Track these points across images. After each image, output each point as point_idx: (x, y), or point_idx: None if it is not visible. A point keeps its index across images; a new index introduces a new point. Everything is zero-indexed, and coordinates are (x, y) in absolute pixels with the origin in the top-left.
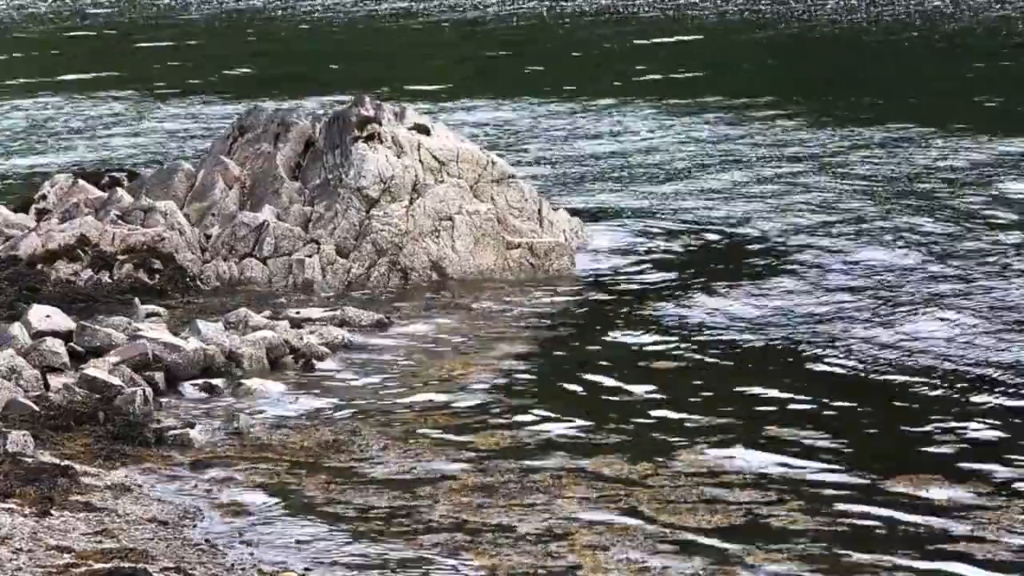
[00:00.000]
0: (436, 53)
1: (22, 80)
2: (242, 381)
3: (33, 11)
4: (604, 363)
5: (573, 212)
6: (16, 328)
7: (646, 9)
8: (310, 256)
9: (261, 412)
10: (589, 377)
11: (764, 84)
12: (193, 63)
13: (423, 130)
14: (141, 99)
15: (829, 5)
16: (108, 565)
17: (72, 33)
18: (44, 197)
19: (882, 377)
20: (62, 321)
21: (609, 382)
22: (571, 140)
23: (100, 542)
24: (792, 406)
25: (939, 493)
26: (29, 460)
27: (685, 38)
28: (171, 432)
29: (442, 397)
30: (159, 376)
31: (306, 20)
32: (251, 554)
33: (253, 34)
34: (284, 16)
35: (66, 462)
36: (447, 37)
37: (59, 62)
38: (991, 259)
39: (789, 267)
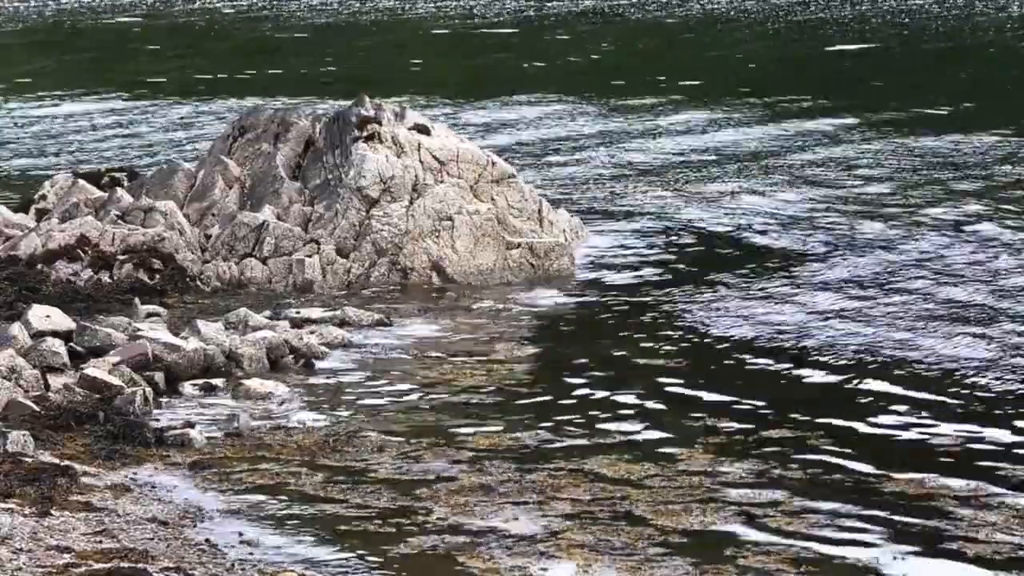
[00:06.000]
0: (431, 54)
1: (17, 79)
2: (242, 381)
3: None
4: (604, 363)
5: (573, 212)
6: (16, 328)
7: (632, 10)
8: (310, 256)
9: (261, 412)
10: (588, 377)
11: (769, 84)
12: (191, 62)
13: (423, 130)
14: (139, 98)
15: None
16: (108, 565)
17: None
18: (44, 197)
19: (882, 377)
20: (62, 321)
21: (608, 382)
22: (570, 140)
23: (100, 542)
24: (790, 406)
25: (936, 493)
26: (29, 460)
27: (678, 37)
28: (171, 432)
29: (441, 397)
30: (159, 376)
31: (297, 20)
32: (251, 554)
33: (248, 34)
34: (271, 16)
35: (66, 462)
36: (440, 38)
37: (52, 60)
38: (992, 265)
39: (790, 267)
